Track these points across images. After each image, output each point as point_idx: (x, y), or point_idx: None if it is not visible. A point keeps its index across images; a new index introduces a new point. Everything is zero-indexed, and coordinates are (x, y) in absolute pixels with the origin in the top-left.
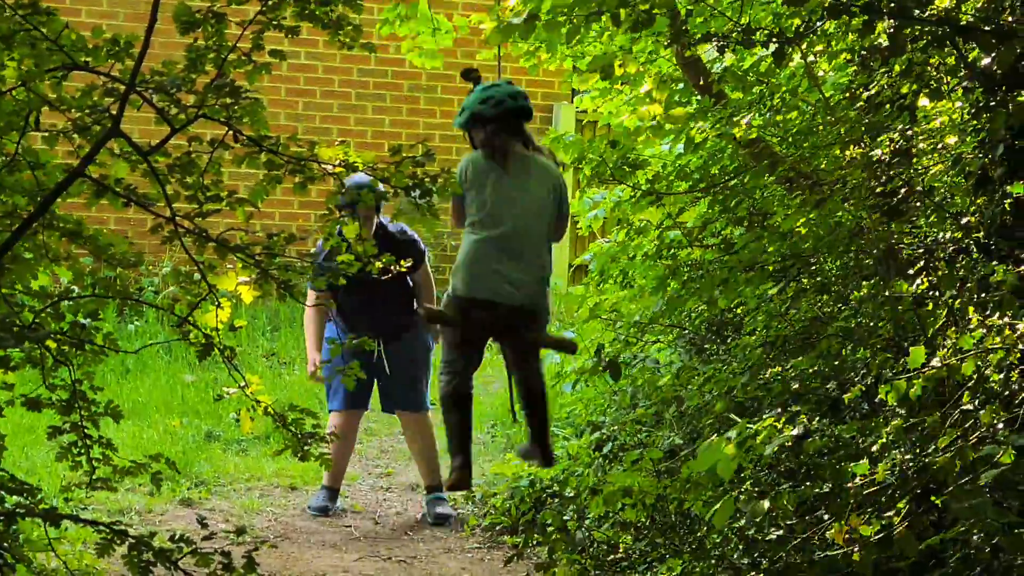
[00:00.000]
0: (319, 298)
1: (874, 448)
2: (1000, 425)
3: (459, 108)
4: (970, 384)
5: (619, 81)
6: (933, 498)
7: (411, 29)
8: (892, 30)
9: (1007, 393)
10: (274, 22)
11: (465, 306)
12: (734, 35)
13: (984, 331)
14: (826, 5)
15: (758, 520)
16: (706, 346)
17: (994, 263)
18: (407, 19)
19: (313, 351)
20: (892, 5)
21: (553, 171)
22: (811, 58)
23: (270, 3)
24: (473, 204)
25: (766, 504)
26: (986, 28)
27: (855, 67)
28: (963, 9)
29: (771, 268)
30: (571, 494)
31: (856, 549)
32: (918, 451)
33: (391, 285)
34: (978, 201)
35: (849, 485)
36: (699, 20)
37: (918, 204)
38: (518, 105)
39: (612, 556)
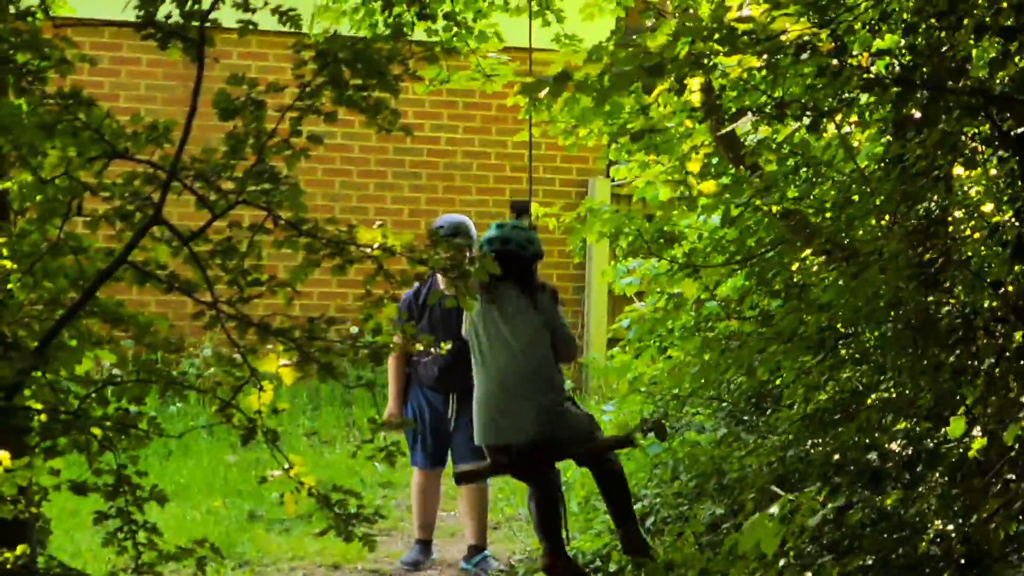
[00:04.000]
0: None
1: (917, 519)
2: None
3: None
4: (1011, 454)
5: (653, 151)
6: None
7: (457, 81)
8: (926, 101)
9: None
10: (312, 108)
11: (488, 452)
12: (768, 109)
13: None
14: (860, 77)
15: None
16: (746, 418)
17: None
18: (445, 83)
19: (393, 401)
20: (926, 77)
21: (542, 303)
22: (846, 129)
23: (308, 90)
24: (473, 343)
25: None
26: (1020, 97)
27: (889, 137)
28: (996, 79)
29: (809, 339)
30: (614, 569)
31: None
32: (960, 522)
33: (467, 343)
34: (1015, 269)
35: (892, 556)
36: (733, 94)
37: (955, 273)
38: (504, 249)
39: None
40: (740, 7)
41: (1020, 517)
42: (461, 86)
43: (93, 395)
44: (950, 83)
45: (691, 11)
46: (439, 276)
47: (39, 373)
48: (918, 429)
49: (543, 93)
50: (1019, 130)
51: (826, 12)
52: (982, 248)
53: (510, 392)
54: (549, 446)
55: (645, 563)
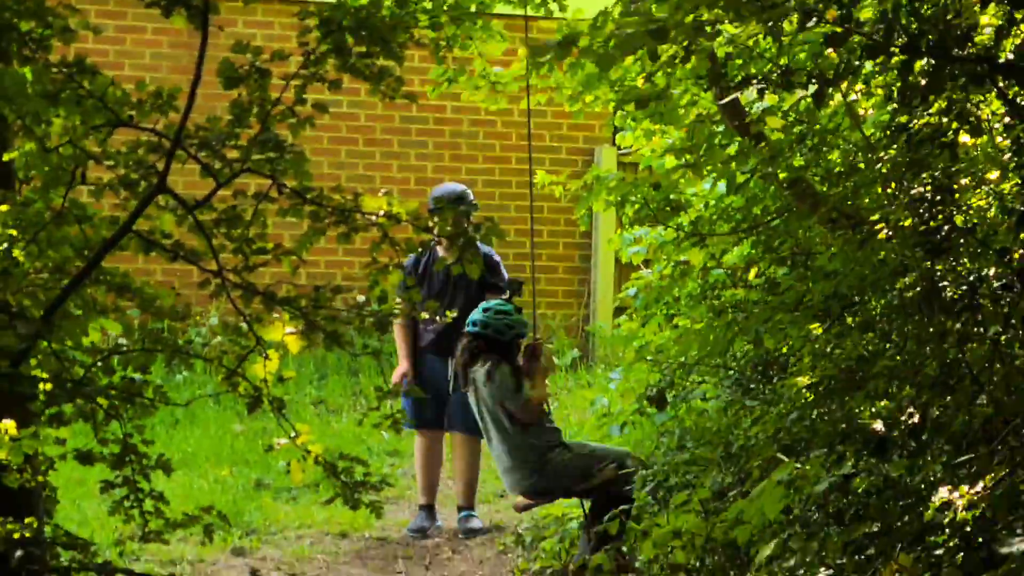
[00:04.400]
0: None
1: (922, 486)
2: None
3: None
4: (1016, 421)
5: (659, 119)
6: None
7: (464, 85)
8: (931, 69)
9: None
10: (316, 76)
11: None
12: (774, 77)
13: None
14: (865, 44)
15: (808, 560)
16: (752, 386)
17: None
18: (454, 81)
19: (405, 360)
20: (931, 44)
21: (496, 376)
22: (851, 97)
23: (312, 58)
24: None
25: (815, 544)
26: None
27: (895, 105)
28: (1003, 47)
29: (816, 308)
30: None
31: None
32: (966, 489)
33: (467, 308)
34: (1021, 237)
35: (898, 523)
36: (738, 62)
37: (961, 241)
38: (484, 333)
39: None
40: None
41: None
42: (467, 100)
43: (99, 364)
44: (956, 51)
45: None
46: (438, 245)
47: (44, 342)
48: (924, 397)
49: (546, 58)
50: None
51: None
52: (988, 216)
53: (499, 457)
54: (550, 491)
55: (651, 530)
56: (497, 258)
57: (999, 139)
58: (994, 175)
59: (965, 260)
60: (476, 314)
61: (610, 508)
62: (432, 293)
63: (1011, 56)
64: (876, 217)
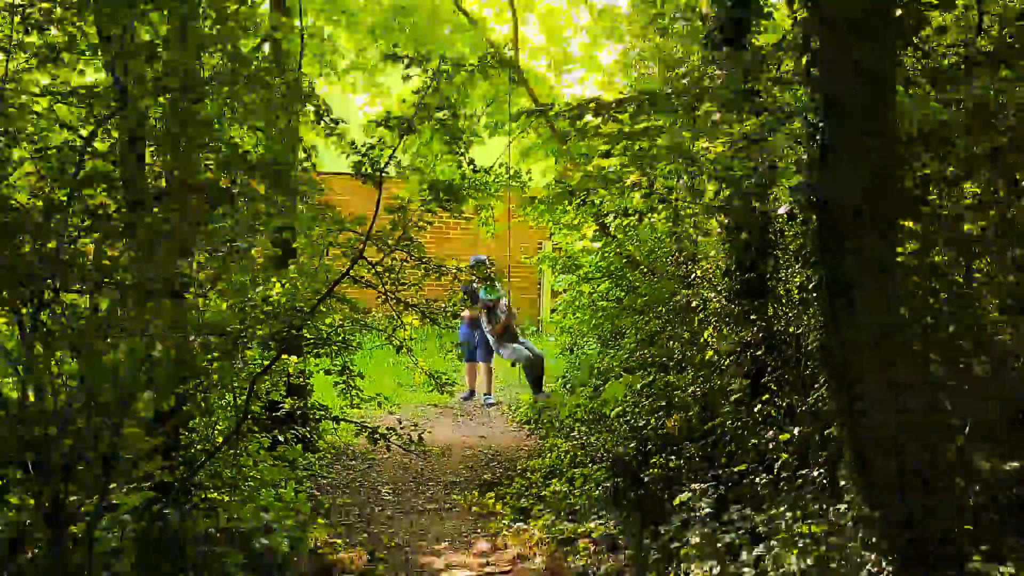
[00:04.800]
0: (471, 310)
1: (685, 387)
2: (739, 375)
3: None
4: (718, 358)
5: (571, 231)
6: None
7: (483, 231)
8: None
9: (739, 360)
10: (427, 209)
11: None
12: (619, 210)
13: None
14: (660, 196)
15: (633, 415)
16: (610, 343)
17: (733, 307)
18: (484, 224)
19: (468, 316)
20: (682, 204)
21: (481, 322)
22: (654, 219)
23: (424, 200)
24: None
25: (637, 408)
26: (733, 206)
27: (670, 223)
28: (718, 198)
29: (637, 309)
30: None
31: (678, 429)
32: (700, 389)
33: (491, 310)
34: (725, 280)
35: (675, 400)
36: (606, 206)
37: (700, 280)
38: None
39: (572, 433)
40: (609, 166)
41: (729, 390)
42: (489, 224)
43: (333, 331)
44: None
45: (584, 166)
46: (475, 282)
47: (310, 321)
48: (683, 346)
49: (524, 206)
50: (732, 226)
51: (645, 168)
52: (711, 272)
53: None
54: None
55: (567, 403)
56: (498, 285)
57: (714, 236)
58: (713, 253)
59: (702, 290)
60: (480, 294)
61: (537, 379)
62: (473, 303)
63: (720, 202)
64: (663, 269)
